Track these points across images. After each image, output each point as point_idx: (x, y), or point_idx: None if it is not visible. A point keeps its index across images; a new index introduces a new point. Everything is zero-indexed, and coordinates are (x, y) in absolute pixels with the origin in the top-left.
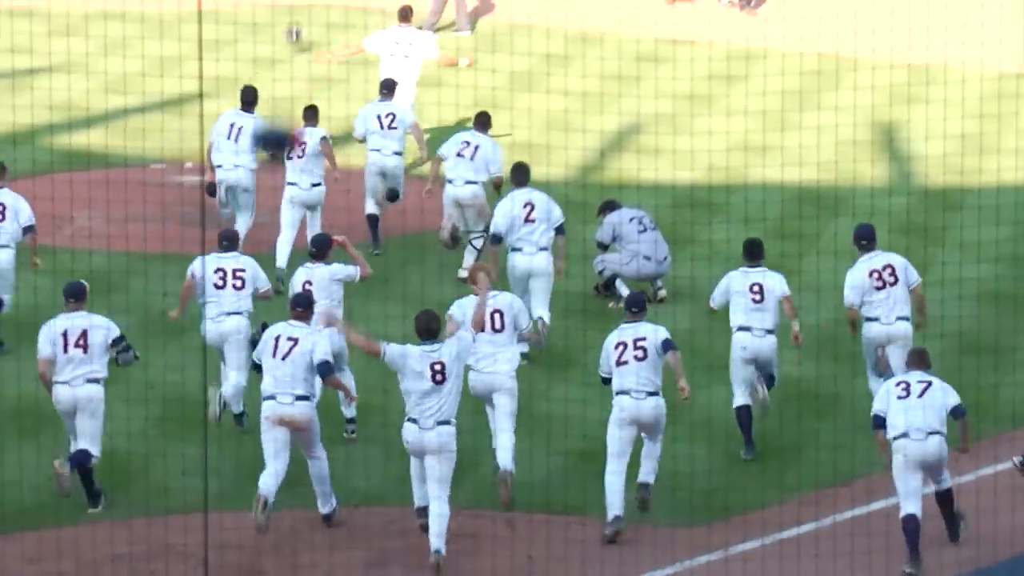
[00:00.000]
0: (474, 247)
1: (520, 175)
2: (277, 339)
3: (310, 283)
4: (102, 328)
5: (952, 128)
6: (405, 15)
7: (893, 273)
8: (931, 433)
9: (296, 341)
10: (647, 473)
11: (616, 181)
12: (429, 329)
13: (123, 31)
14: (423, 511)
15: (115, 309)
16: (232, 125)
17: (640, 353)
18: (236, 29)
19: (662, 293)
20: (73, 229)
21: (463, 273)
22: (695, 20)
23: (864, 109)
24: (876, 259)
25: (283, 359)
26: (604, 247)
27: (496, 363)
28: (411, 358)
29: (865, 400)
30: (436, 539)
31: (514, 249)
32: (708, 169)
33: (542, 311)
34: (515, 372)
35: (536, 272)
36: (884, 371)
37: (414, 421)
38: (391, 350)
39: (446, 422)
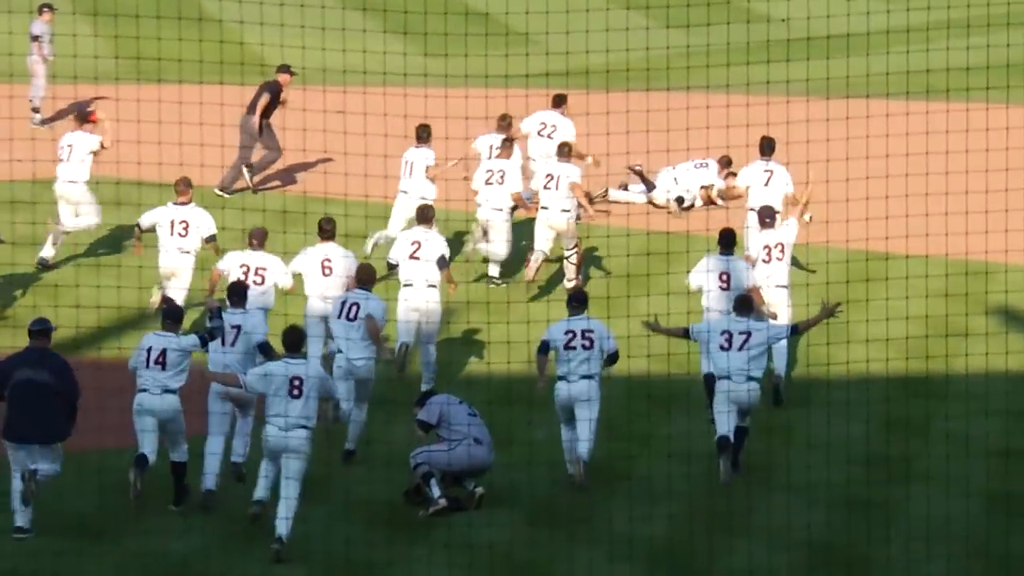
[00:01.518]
0: (571, 263)
1: (422, 214)
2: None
3: (329, 260)
4: (180, 349)
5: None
6: (558, 101)
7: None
8: (750, 378)
9: (239, 328)
10: (583, 451)
11: (457, 375)
12: (293, 343)
13: None
14: (259, 502)
15: None
16: (406, 161)
17: (587, 343)
18: None
19: (479, 491)
20: None
21: (570, 284)
22: None
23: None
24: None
25: (232, 345)
26: (428, 428)
27: (350, 351)
28: (272, 374)
29: None
30: (282, 524)
31: (405, 285)
32: (527, 363)
33: (430, 344)
34: (372, 364)
35: (427, 310)
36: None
37: (276, 425)
38: (251, 380)
39: (303, 426)
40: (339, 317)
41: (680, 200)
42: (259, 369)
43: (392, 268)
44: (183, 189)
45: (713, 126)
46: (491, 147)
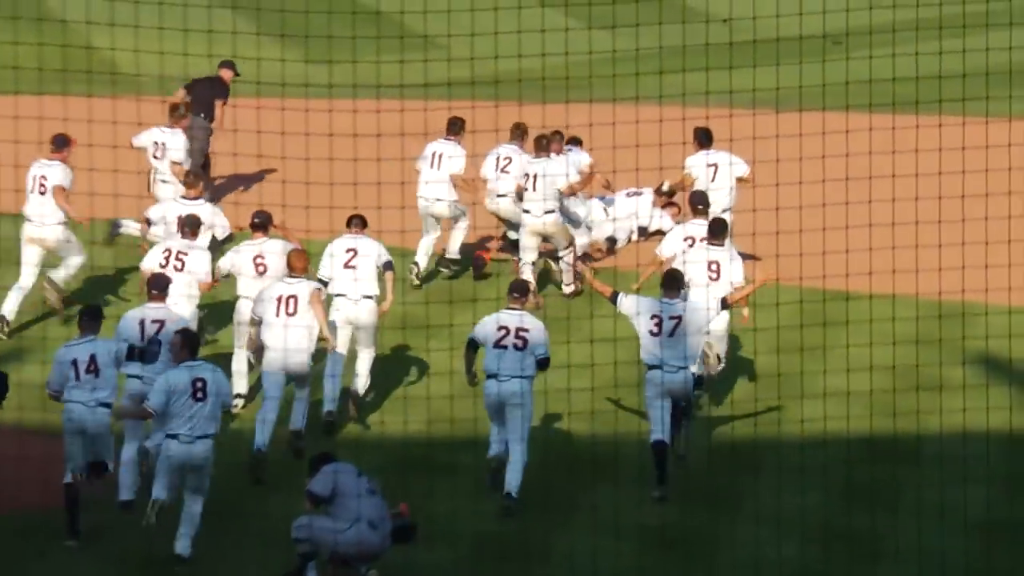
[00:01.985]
0: (567, 264)
1: (359, 219)
2: (143, 322)
3: (262, 256)
4: (109, 353)
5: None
6: (574, 142)
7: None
8: (680, 368)
9: (162, 323)
10: (511, 484)
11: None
12: (192, 347)
13: None
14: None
15: None
16: (434, 153)
17: (520, 343)
18: None
19: (372, 574)
20: None
21: (568, 289)
22: None
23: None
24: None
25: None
26: (319, 502)
27: (291, 341)
28: (174, 383)
29: None
30: (183, 541)
31: (338, 295)
32: (427, 423)
33: (368, 350)
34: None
35: (360, 322)
36: None
37: (175, 437)
38: (155, 403)
39: (208, 435)
40: (277, 316)
41: (613, 241)
42: (159, 384)
43: (325, 285)
44: (192, 182)
45: (643, 144)
46: (499, 158)
